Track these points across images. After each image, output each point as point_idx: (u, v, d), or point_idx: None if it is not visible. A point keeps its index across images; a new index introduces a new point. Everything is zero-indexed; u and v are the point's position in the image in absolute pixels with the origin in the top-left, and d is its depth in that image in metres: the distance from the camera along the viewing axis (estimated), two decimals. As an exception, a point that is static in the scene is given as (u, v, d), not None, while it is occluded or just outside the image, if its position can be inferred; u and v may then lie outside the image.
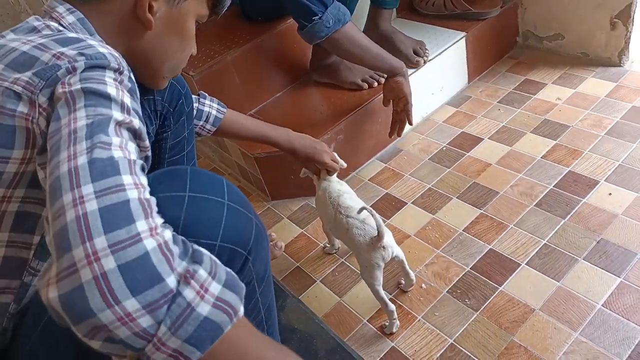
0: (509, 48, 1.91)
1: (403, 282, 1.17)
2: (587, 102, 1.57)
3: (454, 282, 1.16)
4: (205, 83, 1.50)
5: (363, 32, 1.72)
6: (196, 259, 0.49)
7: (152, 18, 0.71)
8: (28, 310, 0.66)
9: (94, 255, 0.44)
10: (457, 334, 1.05)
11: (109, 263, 0.44)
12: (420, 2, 1.90)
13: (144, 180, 0.52)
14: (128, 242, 0.45)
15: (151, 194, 0.53)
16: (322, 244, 1.35)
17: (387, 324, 1.09)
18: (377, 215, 0.99)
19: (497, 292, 1.11)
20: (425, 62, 1.62)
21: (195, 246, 0.51)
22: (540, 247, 1.18)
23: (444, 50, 1.66)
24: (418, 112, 1.70)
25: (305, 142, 1.20)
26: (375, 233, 1.00)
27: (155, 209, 0.51)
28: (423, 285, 1.17)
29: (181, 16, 0.76)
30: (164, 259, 0.46)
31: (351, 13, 1.47)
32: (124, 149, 0.52)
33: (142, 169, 0.54)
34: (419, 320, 1.10)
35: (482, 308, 1.09)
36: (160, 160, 1.05)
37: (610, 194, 1.26)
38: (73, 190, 0.47)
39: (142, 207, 0.48)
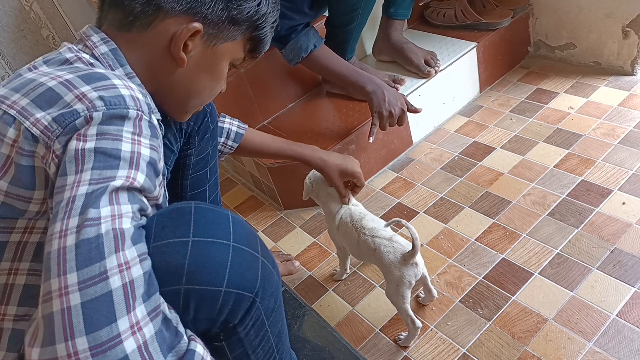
0: (521, 58, 1.91)
1: (422, 295, 1.16)
2: (599, 111, 1.56)
3: (466, 292, 1.16)
4: (220, 96, 1.52)
5: (375, 42, 1.76)
6: None
7: (185, 57, 0.72)
8: None
9: (75, 356, 0.47)
10: (470, 344, 1.05)
11: None
12: (431, 14, 1.92)
13: (144, 222, 0.57)
14: (108, 345, 0.48)
15: (155, 240, 0.56)
16: (333, 269, 1.34)
17: (402, 336, 1.09)
18: (413, 228, 0.96)
19: (510, 302, 1.11)
20: (437, 73, 1.63)
21: (192, 343, 0.54)
22: (553, 256, 1.18)
23: (455, 61, 1.67)
24: (430, 122, 1.71)
25: (334, 155, 1.18)
26: (405, 250, 0.99)
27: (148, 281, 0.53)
28: (435, 294, 1.17)
29: (216, 57, 0.77)
30: None
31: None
32: (115, 219, 0.53)
33: (144, 212, 0.58)
34: (431, 330, 1.10)
35: (495, 318, 1.09)
36: (184, 176, 1.07)
37: (624, 203, 1.25)
38: (60, 277, 0.49)
39: (125, 297, 0.50)
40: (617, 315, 1.02)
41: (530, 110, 1.66)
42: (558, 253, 1.18)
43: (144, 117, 0.61)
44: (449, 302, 1.15)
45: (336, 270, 1.31)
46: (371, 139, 1.42)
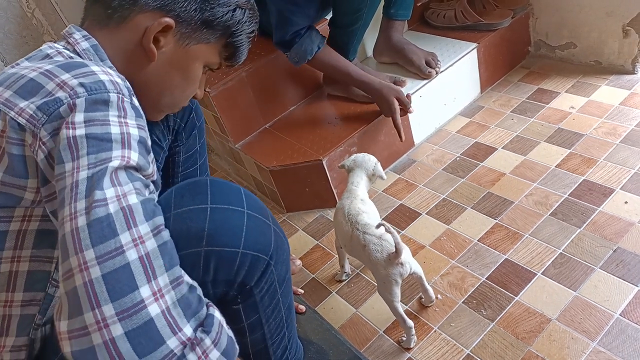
0: (521, 58, 1.92)
1: (423, 297, 1.17)
2: (601, 110, 1.56)
3: (469, 293, 1.16)
4: (221, 99, 1.54)
5: (375, 44, 1.76)
6: (206, 327, 0.55)
7: (155, 50, 0.74)
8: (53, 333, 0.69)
9: (103, 322, 0.49)
10: (474, 345, 1.06)
11: (117, 330, 0.49)
12: (431, 15, 1.92)
13: (153, 197, 0.58)
14: (133, 309, 0.50)
15: (175, 207, 0.59)
16: (335, 271, 1.34)
17: (404, 338, 1.10)
18: (395, 232, 0.99)
19: (513, 302, 1.11)
20: (437, 73, 1.63)
21: (210, 309, 0.57)
22: (556, 256, 1.18)
23: (456, 61, 1.67)
24: (431, 123, 1.71)
25: None
26: (393, 249, 1.01)
27: (162, 225, 0.56)
28: (439, 296, 1.17)
29: (188, 57, 0.79)
30: (166, 323, 0.52)
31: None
32: (120, 198, 0.55)
33: (147, 187, 0.59)
34: (435, 331, 1.11)
35: (498, 318, 1.09)
36: (174, 174, 1.09)
37: (626, 202, 1.25)
38: (77, 254, 0.52)
39: (143, 268, 0.52)
40: (620, 314, 1.02)
41: (531, 110, 1.67)
42: (560, 253, 1.18)
43: (125, 99, 0.62)
44: (452, 303, 1.15)
45: (339, 271, 1.32)
46: (402, 137, 1.48)
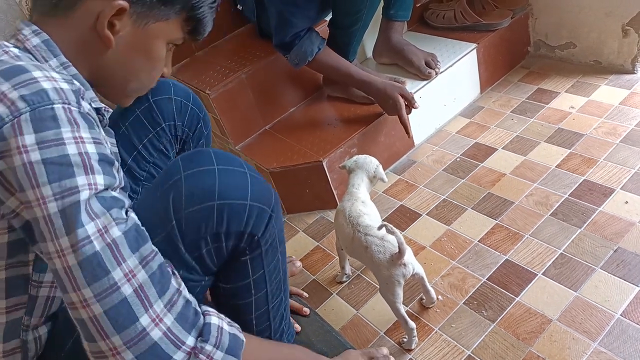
0: (521, 58, 1.92)
1: (424, 298, 1.17)
2: (600, 110, 1.56)
3: (470, 294, 1.16)
4: (221, 101, 1.54)
5: (375, 45, 1.76)
6: (204, 336, 0.62)
7: (111, 36, 0.69)
8: (55, 328, 0.70)
9: (114, 350, 0.56)
10: (475, 346, 1.05)
11: (128, 355, 0.56)
12: (430, 15, 1.92)
13: (133, 218, 0.61)
14: (137, 338, 0.56)
15: (185, 170, 0.68)
16: (336, 272, 1.34)
17: (405, 339, 1.10)
18: (398, 233, 0.98)
19: (513, 303, 1.11)
20: (437, 74, 1.63)
21: (207, 317, 0.64)
22: (556, 256, 1.18)
23: (455, 62, 1.67)
24: (431, 124, 1.71)
25: None
26: (395, 250, 1.00)
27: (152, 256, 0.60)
28: (439, 297, 1.17)
29: (148, 37, 0.73)
30: (170, 342, 0.58)
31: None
32: (103, 234, 0.56)
33: (122, 208, 0.60)
34: (435, 332, 1.11)
35: (499, 319, 1.09)
36: None
37: (626, 202, 1.25)
38: (75, 292, 0.55)
39: (139, 299, 0.57)
40: (621, 315, 1.02)
41: (531, 110, 1.67)
42: (561, 253, 1.18)
43: (72, 108, 0.58)
44: (452, 304, 1.15)
45: (339, 272, 1.31)
46: (410, 133, 1.48)
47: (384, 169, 1.61)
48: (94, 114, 0.64)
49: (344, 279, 1.30)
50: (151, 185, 0.78)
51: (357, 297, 1.25)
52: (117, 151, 0.81)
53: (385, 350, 1.03)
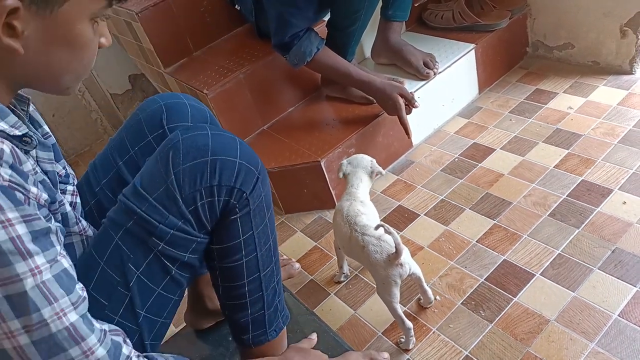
0: (519, 58, 1.92)
1: (422, 299, 1.17)
2: (599, 110, 1.56)
3: (468, 294, 1.16)
4: (219, 101, 1.53)
5: (373, 45, 1.76)
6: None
7: (14, 43, 0.58)
8: None
9: None
10: (472, 346, 1.05)
11: None
12: (429, 16, 1.92)
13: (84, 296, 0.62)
14: None
15: (183, 133, 0.77)
16: (334, 272, 1.34)
17: (403, 339, 1.10)
18: (395, 233, 0.98)
19: (511, 303, 1.11)
20: (435, 74, 1.63)
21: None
22: (554, 257, 1.18)
23: (453, 62, 1.67)
24: (429, 124, 1.71)
25: None
26: (392, 250, 1.00)
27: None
28: (437, 297, 1.17)
29: (62, 24, 0.61)
30: None
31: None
32: (61, 317, 0.57)
33: (59, 240, 0.62)
34: (433, 332, 1.10)
35: (496, 319, 1.09)
36: None
37: (624, 202, 1.25)
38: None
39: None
40: (618, 315, 1.02)
41: (530, 111, 1.67)
42: (559, 253, 1.18)
43: None
44: (450, 304, 1.15)
45: (337, 272, 1.31)
46: (410, 133, 1.47)
47: (382, 169, 1.61)
48: (16, 178, 0.56)
49: (342, 279, 1.29)
50: (155, 153, 0.81)
51: (355, 297, 1.25)
52: (55, 169, 0.75)
53: (386, 355, 1.03)
